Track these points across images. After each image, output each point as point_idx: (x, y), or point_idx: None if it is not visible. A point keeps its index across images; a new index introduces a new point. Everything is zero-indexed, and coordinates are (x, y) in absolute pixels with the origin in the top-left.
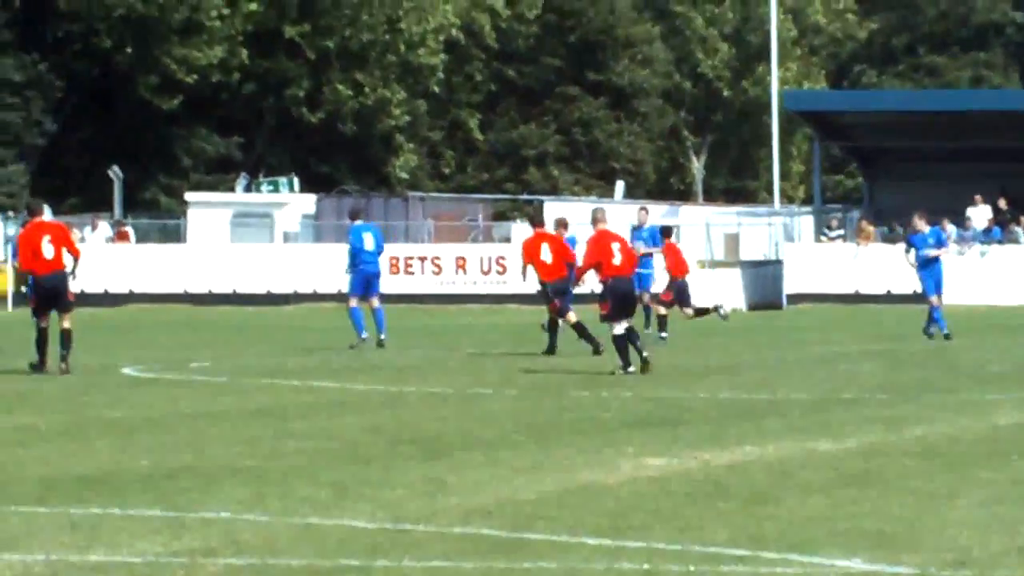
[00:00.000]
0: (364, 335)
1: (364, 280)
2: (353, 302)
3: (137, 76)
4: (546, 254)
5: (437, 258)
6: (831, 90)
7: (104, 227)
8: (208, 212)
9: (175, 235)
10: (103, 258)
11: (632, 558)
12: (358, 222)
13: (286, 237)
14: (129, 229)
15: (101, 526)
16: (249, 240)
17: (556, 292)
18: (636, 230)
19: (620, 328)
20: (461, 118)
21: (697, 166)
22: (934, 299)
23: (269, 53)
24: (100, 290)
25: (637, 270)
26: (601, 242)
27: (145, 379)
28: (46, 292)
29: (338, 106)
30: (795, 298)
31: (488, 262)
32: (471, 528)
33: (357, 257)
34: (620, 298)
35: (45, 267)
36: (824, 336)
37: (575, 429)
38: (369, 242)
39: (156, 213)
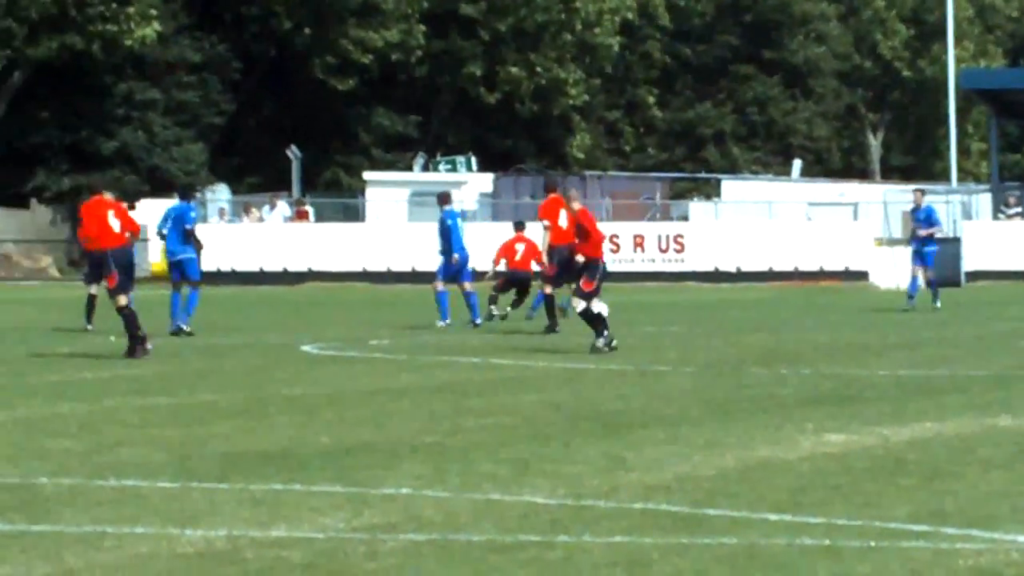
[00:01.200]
0: (448, 320)
1: (458, 265)
2: (440, 286)
3: (314, 57)
4: (563, 219)
5: (615, 236)
6: (1007, 68)
7: (283, 206)
8: (386, 191)
9: (354, 214)
10: (282, 237)
11: (812, 534)
12: (448, 207)
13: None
14: (309, 208)
15: (282, 502)
16: (427, 219)
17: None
18: (915, 211)
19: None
20: (638, 97)
21: (875, 144)
22: None
23: (445, 33)
24: (279, 268)
25: (923, 248)
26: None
27: (324, 356)
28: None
29: (515, 85)
30: (973, 275)
31: (666, 240)
32: (651, 504)
33: (453, 242)
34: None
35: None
36: (1003, 313)
37: (754, 406)
38: (462, 227)
39: (335, 192)
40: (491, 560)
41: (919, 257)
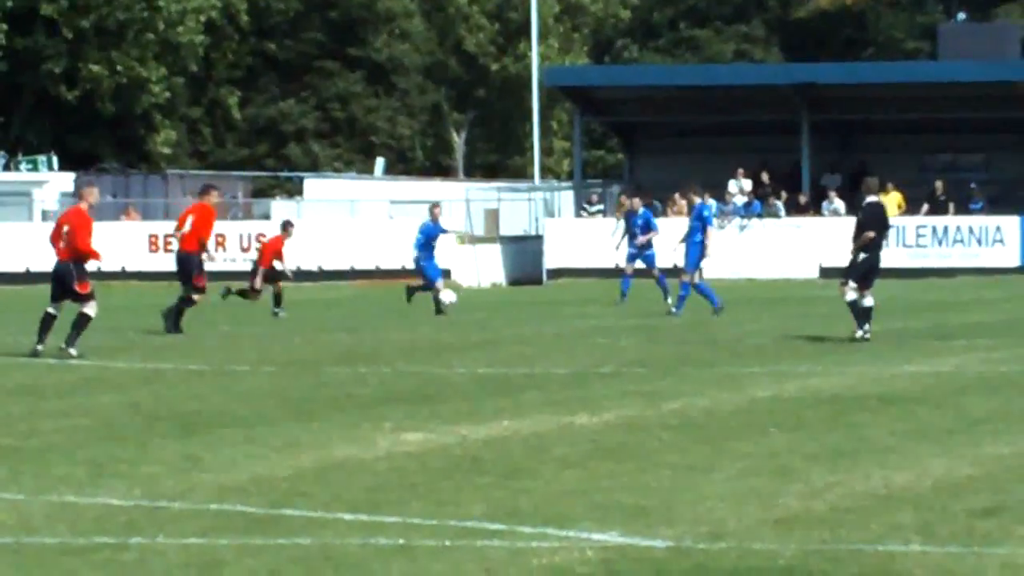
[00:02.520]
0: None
1: None
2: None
3: None
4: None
5: None
6: (591, 65)
7: None
8: None
9: None
10: None
11: (388, 533)
12: None
13: (44, 215)
14: None
15: None
16: (7, 219)
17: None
18: (630, 215)
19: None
20: (220, 95)
21: (458, 142)
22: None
23: (26, 32)
24: None
25: (644, 251)
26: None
27: None
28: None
29: (96, 84)
30: (555, 273)
31: (247, 239)
32: (227, 505)
33: None
34: None
35: None
36: (583, 311)
37: (332, 405)
38: None
39: None
40: (64, 563)
41: (635, 258)
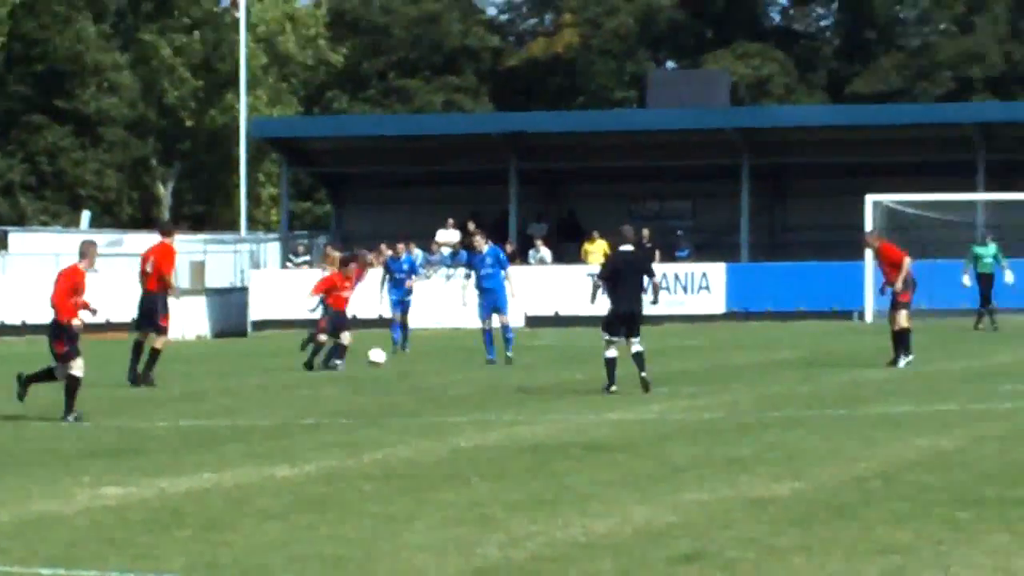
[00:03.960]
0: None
1: None
2: None
3: None
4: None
5: None
6: (298, 116)
7: None
8: None
9: None
10: None
11: None
12: None
13: None
14: None
15: None
16: None
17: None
18: (395, 261)
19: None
20: None
21: (165, 194)
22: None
23: None
24: None
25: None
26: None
27: None
28: None
29: None
30: (260, 324)
31: None
32: None
33: None
34: None
35: None
36: (288, 362)
37: (33, 460)
38: None
39: None
40: None
41: (400, 306)
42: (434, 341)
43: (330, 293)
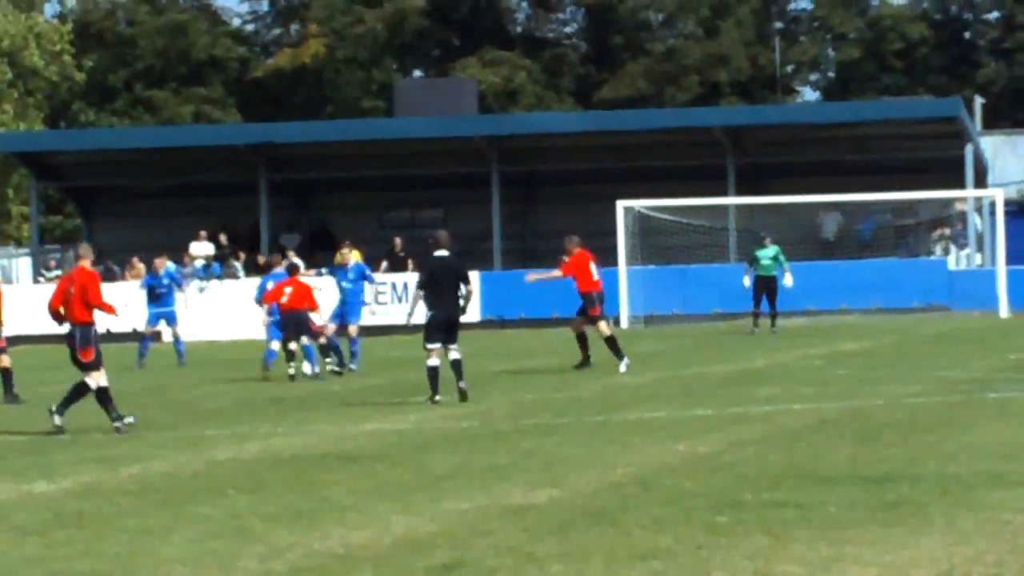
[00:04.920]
0: None
1: None
2: None
3: None
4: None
5: None
6: (46, 131)
7: None
8: None
9: None
10: None
11: None
12: None
13: None
14: None
15: None
16: None
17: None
18: (155, 277)
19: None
20: None
21: None
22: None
23: None
24: None
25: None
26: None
27: None
28: None
29: None
30: (13, 340)
31: None
32: None
33: None
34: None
35: None
36: (43, 377)
37: None
38: None
39: None
40: None
41: (158, 319)
42: (191, 353)
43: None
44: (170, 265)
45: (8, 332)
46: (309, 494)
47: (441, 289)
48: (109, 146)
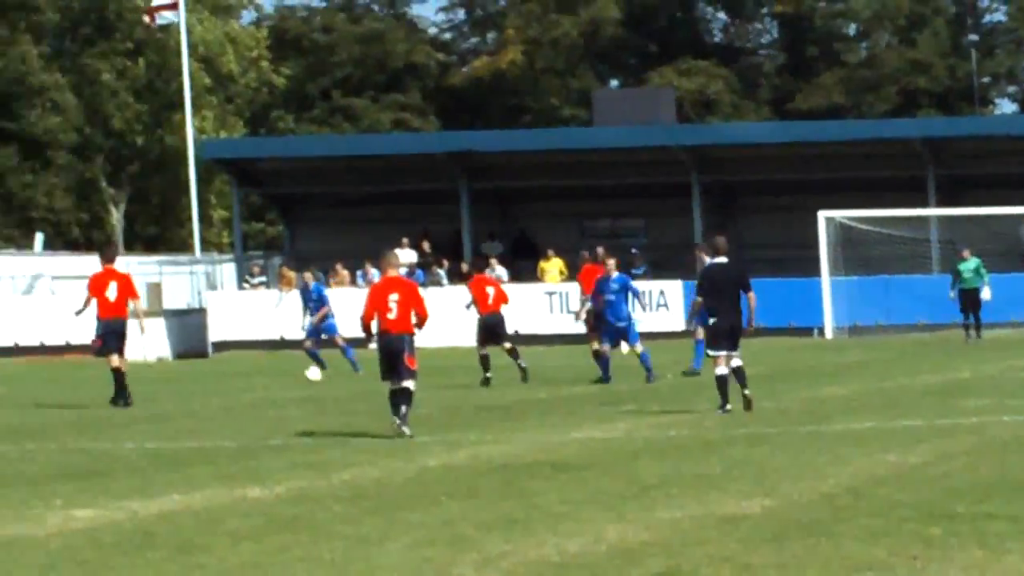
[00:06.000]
0: None
1: None
2: None
3: None
4: (112, 291)
5: None
6: (247, 138)
7: None
8: None
9: None
10: None
11: None
12: None
13: None
14: None
15: None
16: None
17: (110, 330)
18: (305, 291)
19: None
20: None
21: (117, 216)
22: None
23: None
24: None
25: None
26: (379, 292)
27: None
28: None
29: None
30: (220, 345)
31: None
32: None
33: None
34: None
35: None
36: (250, 383)
37: (1, 483)
38: None
39: None
40: None
41: (316, 333)
42: None
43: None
44: (315, 279)
45: (217, 336)
46: (521, 502)
47: (722, 296)
48: (310, 154)
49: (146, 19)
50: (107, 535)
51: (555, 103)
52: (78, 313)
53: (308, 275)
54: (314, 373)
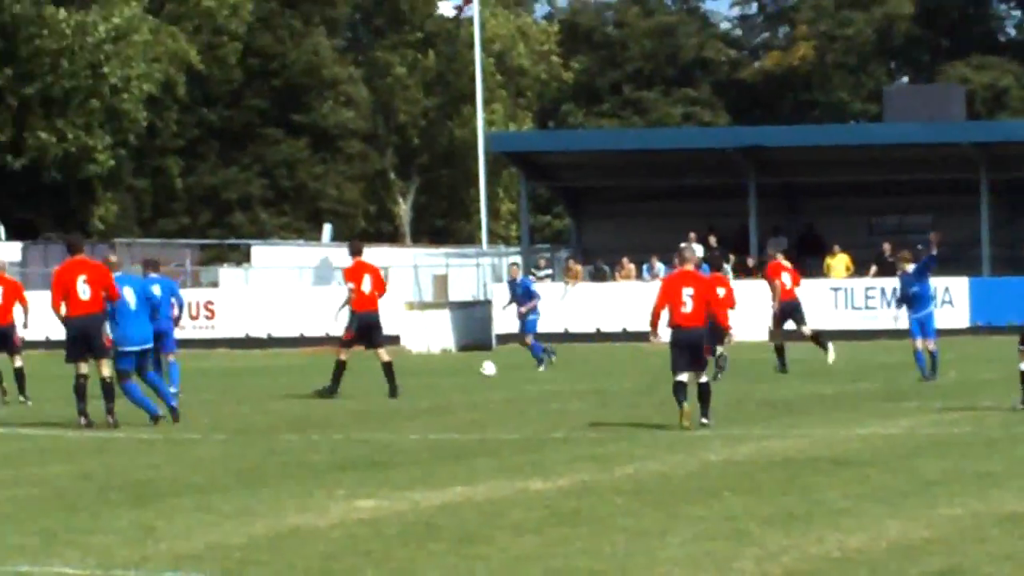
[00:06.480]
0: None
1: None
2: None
3: None
4: (367, 284)
5: None
6: (536, 131)
7: None
8: None
9: None
10: None
11: None
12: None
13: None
14: None
15: None
16: None
17: (364, 323)
18: (512, 283)
19: (683, 377)
20: (165, 164)
21: (405, 208)
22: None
23: None
24: None
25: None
26: (672, 286)
27: None
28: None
29: (42, 152)
30: (504, 338)
31: (196, 307)
32: (181, 573)
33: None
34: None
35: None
36: (534, 375)
37: (285, 473)
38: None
39: None
40: None
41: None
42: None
43: None
44: (660, 266)
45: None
46: (803, 497)
47: None
48: (598, 147)
49: (453, 11)
50: (389, 526)
51: (845, 98)
52: (342, 307)
53: (515, 268)
54: (489, 368)
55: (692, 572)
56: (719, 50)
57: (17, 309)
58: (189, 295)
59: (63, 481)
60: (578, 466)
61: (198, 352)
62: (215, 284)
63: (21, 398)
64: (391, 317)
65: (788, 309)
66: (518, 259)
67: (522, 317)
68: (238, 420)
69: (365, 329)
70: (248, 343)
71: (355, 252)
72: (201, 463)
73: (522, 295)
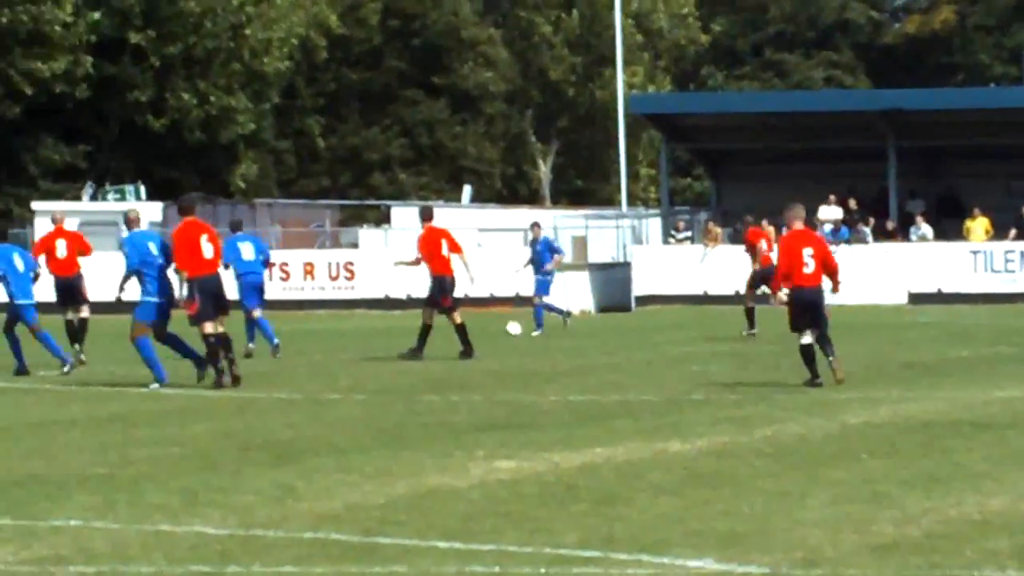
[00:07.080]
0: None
1: (247, 290)
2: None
3: None
4: (445, 249)
5: (285, 264)
6: (676, 93)
7: None
8: None
9: (23, 244)
10: None
11: (483, 561)
12: (237, 233)
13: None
14: None
15: None
16: (97, 248)
17: (448, 288)
18: (534, 243)
19: (808, 338)
20: (306, 125)
21: (544, 170)
22: None
23: (114, 60)
24: None
25: (547, 276)
26: (792, 247)
27: None
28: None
29: (183, 113)
30: (644, 300)
31: (336, 268)
32: (321, 533)
33: (236, 269)
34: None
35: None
36: (673, 337)
37: (425, 433)
38: (248, 252)
39: (4, 222)
40: None
41: (540, 285)
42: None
43: None
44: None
45: (641, 291)
46: (943, 460)
47: None
48: (738, 110)
49: None
50: (529, 487)
51: (985, 61)
52: (408, 264)
53: (537, 229)
54: (514, 328)
55: (831, 534)
56: (861, 12)
57: (82, 261)
58: (329, 256)
59: (203, 441)
60: (717, 428)
61: (338, 312)
62: (355, 245)
63: (76, 347)
64: (529, 280)
65: (764, 275)
66: (540, 219)
67: (544, 275)
68: (378, 380)
69: (442, 292)
70: (387, 304)
71: (426, 218)
72: (341, 423)
73: (542, 253)
